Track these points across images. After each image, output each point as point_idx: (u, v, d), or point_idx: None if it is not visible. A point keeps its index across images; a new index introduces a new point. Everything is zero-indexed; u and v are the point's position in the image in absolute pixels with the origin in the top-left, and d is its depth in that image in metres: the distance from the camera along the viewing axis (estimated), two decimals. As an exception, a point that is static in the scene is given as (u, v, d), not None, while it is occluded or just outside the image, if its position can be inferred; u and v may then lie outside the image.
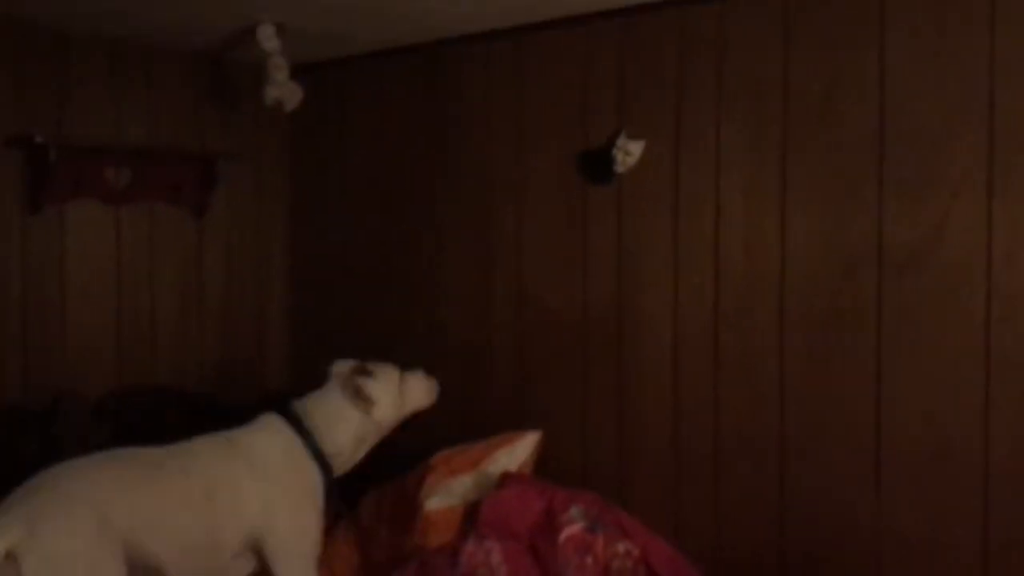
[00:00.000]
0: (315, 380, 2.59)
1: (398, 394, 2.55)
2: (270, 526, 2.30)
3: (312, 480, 2.41)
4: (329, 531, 2.65)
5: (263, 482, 2.32)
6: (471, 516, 2.67)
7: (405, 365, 2.67)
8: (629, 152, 2.78)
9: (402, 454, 2.79)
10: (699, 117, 2.70)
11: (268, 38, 2.86)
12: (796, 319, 2.57)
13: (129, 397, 3.21)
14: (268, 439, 2.39)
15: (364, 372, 2.52)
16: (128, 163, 3.19)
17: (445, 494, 2.75)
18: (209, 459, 2.29)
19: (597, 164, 2.85)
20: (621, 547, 2.60)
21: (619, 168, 2.80)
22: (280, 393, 3.53)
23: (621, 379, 2.87)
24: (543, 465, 2.92)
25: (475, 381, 3.13)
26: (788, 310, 2.58)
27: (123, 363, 3.23)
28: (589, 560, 2.54)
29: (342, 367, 2.57)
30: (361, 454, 2.54)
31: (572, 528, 2.58)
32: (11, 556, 1.88)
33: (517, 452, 2.87)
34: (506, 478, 2.74)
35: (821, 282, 2.53)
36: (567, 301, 2.96)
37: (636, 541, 2.64)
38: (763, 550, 2.65)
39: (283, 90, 2.98)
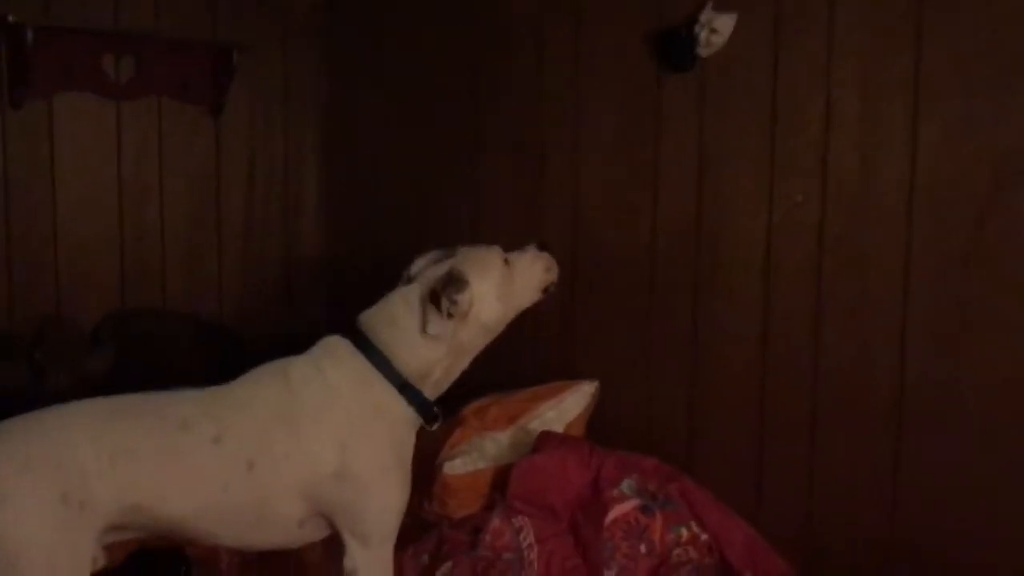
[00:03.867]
0: (356, 306, 1.94)
1: (504, 289, 1.84)
2: (340, 488, 1.72)
3: (395, 419, 1.79)
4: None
5: (328, 431, 1.72)
6: (502, 484, 2.18)
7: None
8: (716, 30, 2.15)
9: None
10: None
11: None
12: (926, 249, 1.96)
13: (132, 320, 2.82)
14: (332, 371, 1.77)
15: (452, 280, 1.77)
16: (130, 51, 2.75)
17: (472, 454, 2.26)
18: (250, 412, 1.71)
19: (674, 46, 2.24)
20: (685, 531, 2.08)
21: (703, 50, 2.18)
22: (316, 323, 3.13)
23: (696, 323, 2.30)
24: (596, 424, 2.39)
25: (519, 326, 2.58)
26: (917, 237, 1.97)
27: (126, 289, 2.83)
28: (642, 548, 2.03)
29: (423, 265, 1.87)
30: (460, 370, 1.86)
31: (623, 506, 2.07)
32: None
33: (567, 406, 2.36)
34: (546, 439, 2.23)
35: (962, 201, 1.91)
36: (632, 228, 2.38)
37: (705, 522, 2.12)
38: (865, 540, 2.09)
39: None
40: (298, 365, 1.80)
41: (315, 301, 3.22)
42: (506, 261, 1.87)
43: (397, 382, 1.78)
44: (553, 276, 1.94)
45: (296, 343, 2.14)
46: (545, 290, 1.94)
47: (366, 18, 3.05)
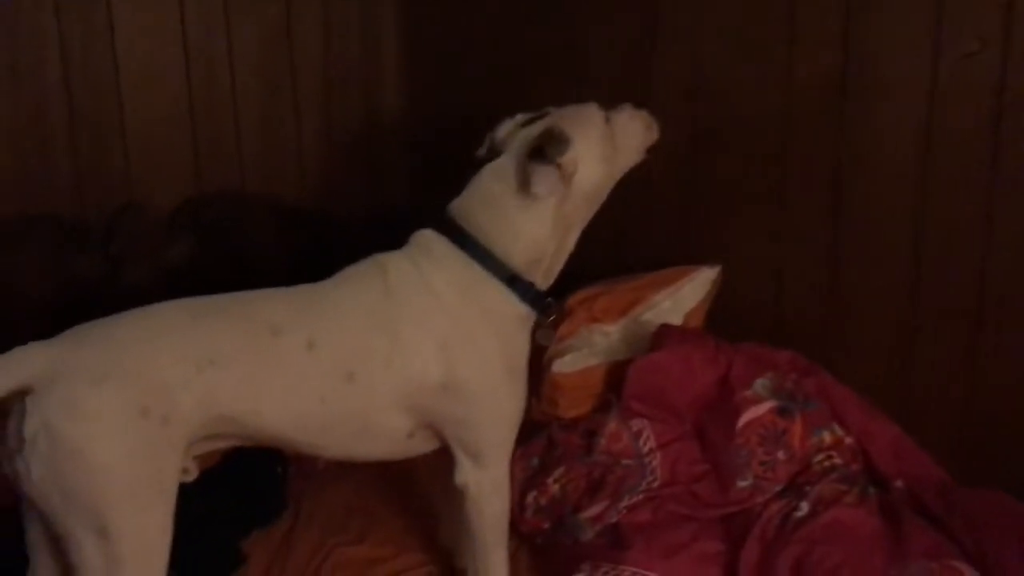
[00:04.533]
0: (445, 184, 1.70)
1: (607, 148, 1.63)
2: (447, 400, 1.55)
3: (505, 319, 1.59)
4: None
5: (432, 338, 1.53)
6: (616, 383, 1.96)
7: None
8: None
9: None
10: None
11: None
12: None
13: (211, 206, 2.63)
14: (432, 272, 1.57)
15: (552, 138, 1.54)
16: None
17: (582, 349, 2.04)
18: (346, 316, 1.53)
19: None
20: (828, 435, 1.85)
21: None
22: (407, 205, 2.91)
23: (836, 195, 1.99)
24: (720, 314, 2.13)
25: (628, 202, 2.29)
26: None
27: (201, 169, 2.63)
28: (781, 454, 1.80)
29: (511, 129, 1.65)
30: (568, 251, 1.66)
31: (758, 408, 1.83)
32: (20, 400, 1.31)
33: (685, 295, 2.10)
34: (666, 333, 1.99)
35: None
36: (761, 83, 2.05)
37: (849, 424, 1.88)
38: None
39: None
40: (396, 264, 1.60)
41: (401, 176, 2.98)
42: (607, 118, 1.66)
43: (505, 276, 1.57)
44: (655, 135, 1.74)
45: (384, 224, 1.94)
46: (648, 151, 1.74)
47: None
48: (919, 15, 1.81)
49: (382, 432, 1.55)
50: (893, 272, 1.94)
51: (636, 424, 1.86)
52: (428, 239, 1.62)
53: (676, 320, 2.08)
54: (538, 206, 1.56)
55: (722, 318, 2.14)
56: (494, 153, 1.65)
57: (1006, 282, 1.81)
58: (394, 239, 1.68)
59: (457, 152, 1.78)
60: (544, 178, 1.52)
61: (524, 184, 1.53)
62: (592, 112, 1.66)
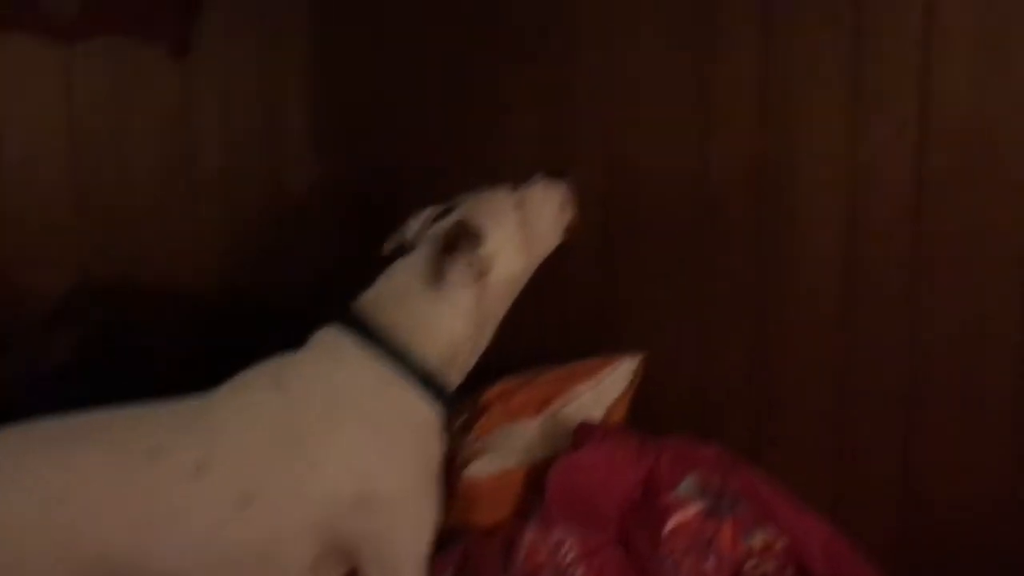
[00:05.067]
0: (360, 276, 1.60)
1: (523, 236, 1.54)
2: (362, 517, 1.39)
3: (420, 422, 1.47)
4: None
5: (342, 449, 1.39)
6: (536, 486, 1.83)
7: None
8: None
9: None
10: None
11: None
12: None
13: (100, 297, 2.45)
14: (337, 373, 1.43)
15: (463, 233, 1.46)
16: (72, -17, 2.34)
17: (499, 450, 1.91)
18: (241, 430, 1.37)
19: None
20: (759, 539, 1.73)
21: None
22: (317, 288, 2.75)
23: (762, 279, 1.92)
24: (643, 405, 2.03)
25: (544, 283, 2.20)
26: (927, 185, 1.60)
27: (88, 255, 2.45)
28: (711, 561, 1.68)
29: (421, 224, 1.56)
30: (484, 346, 1.57)
31: (685, 512, 1.71)
32: None
33: (606, 386, 1.99)
34: (587, 431, 1.87)
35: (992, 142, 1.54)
36: (678, 165, 1.98)
37: (781, 524, 1.77)
38: (978, 547, 1.74)
39: None
40: (296, 367, 1.46)
41: (310, 261, 2.83)
42: (519, 202, 1.59)
43: (419, 375, 1.45)
44: (571, 213, 1.67)
45: (292, 314, 1.80)
46: (567, 230, 1.67)
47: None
48: (837, 96, 1.77)
49: (285, 562, 1.39)
50: (821, 357, 1.87)
51: (557, 533, 1.72)
52: (332, 338, 1.49)
53: (598, 413, 1.97)
54: (454, 302, 1.48)
55: (645, 409, 2.03)
56: (404, 249, 1.56)
57: (936, 363, 1.75)
58: (304, 331, 1.55)
59: (369, 235, 1.67)
60: (457, 277, 1.44)
61: (437, 282, 1.43)
62: (504, 199, 1.58)
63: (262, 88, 2.70)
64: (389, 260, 1.56)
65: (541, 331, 2.14)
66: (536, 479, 1.83)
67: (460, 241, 1.45)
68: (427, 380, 1.46)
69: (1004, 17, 1.59)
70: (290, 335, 1.55)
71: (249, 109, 2.68)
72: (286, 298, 2.63)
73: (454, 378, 1.52)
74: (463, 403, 1.57)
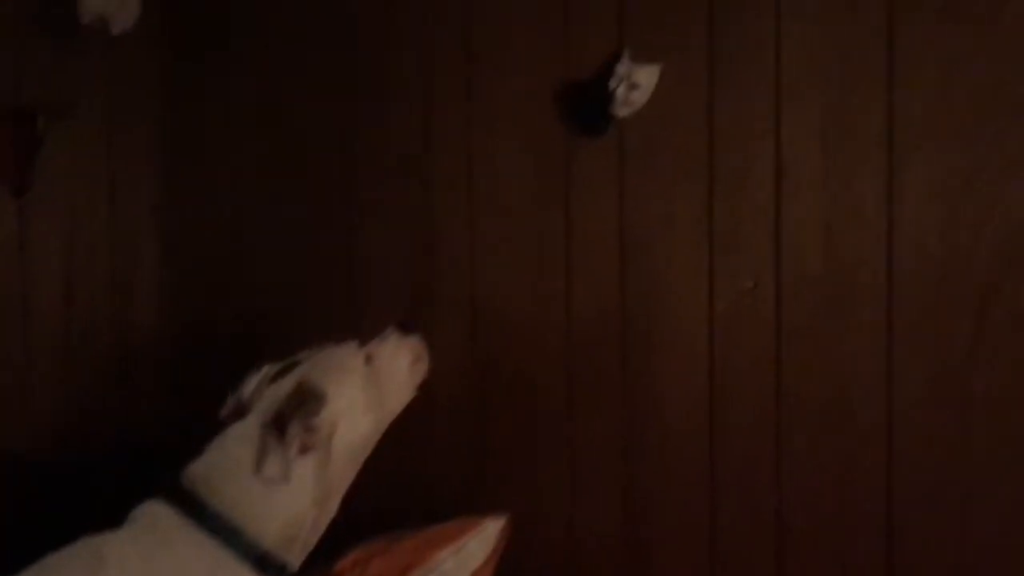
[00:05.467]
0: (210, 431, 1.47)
1: (371, 395, 1.44)
2: None
3: None
4: None
5: None
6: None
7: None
8: (636, 84, 1.77)
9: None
10: (747, 22, 1.70)
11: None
12: (915, 340, 1.59)
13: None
14: (159, 553, 1.29)
15: (303, 397, 1.34)
16: None
17: (353, 627, 1.74)
18: None
19: (586, 104, 1.85)
20: None
21: (620, 109, 1.79)
22: (158, 450, 2.53)
23: (628, 432, 1.86)
24: (511, 567, 1.91)
25: (406, 436, 2.08)
26: (901, 325, 1.60)
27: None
28: None
29: (258, 383, 1.42)
30: (331, 515, 1.43)
31: None
32: None
33: (470, 551, 1.86)
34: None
35: (960, 281, 1.56)
36: (541, 315, 1.93)
37: None
38: None
39: (108, 2, 1.96)
40: (113, 548, 1.29)
41: (155, 412, 2.63)
42: (368, 358, 1.48)
43: (254, 556, 1.30)
44: (424, 368, 1.58)
45: (134, 474, 1.63)
46: (419, 385, 1.57)
47: (205, 72, 2.53)
48: (693, 251, 1.77)
49: None
50: (690, 517, 1.80)
51: None
52: (154, 512, 1.33)
53: (462, 582, 1.83)
54: (290, 476, 1.32)
55: (515, 571, 1.90)
56: (240, 413, 1.42)
57: (802, 520, 1.71)
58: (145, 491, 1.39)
59: (214, 392, 1.53)
60: (279, 462, 1.30)
61: (269, 456, 1.29)
62: (350, 355, 1.47)
63: (107, 228, 2.55)
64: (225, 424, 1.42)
65: (398, 489, 2.01)
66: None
67: (298, 406, 1.32)
68: (262, 562, 1.30)
69: (849, 167, 1.64)
70: (119, 505, 1.40)
71: (93, 248, 2.52)
72: (119, 460, 2.42)
73: (295, 557, 1.36)
74: (311, 574, 1.40)
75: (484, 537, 1.88)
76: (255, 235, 2.41)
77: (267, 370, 1.43)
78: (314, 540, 1.42)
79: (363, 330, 1.93)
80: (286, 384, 1.37)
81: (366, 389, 1.44)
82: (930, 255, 1.60)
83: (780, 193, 1.70)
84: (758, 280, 1.71)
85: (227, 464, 1.34)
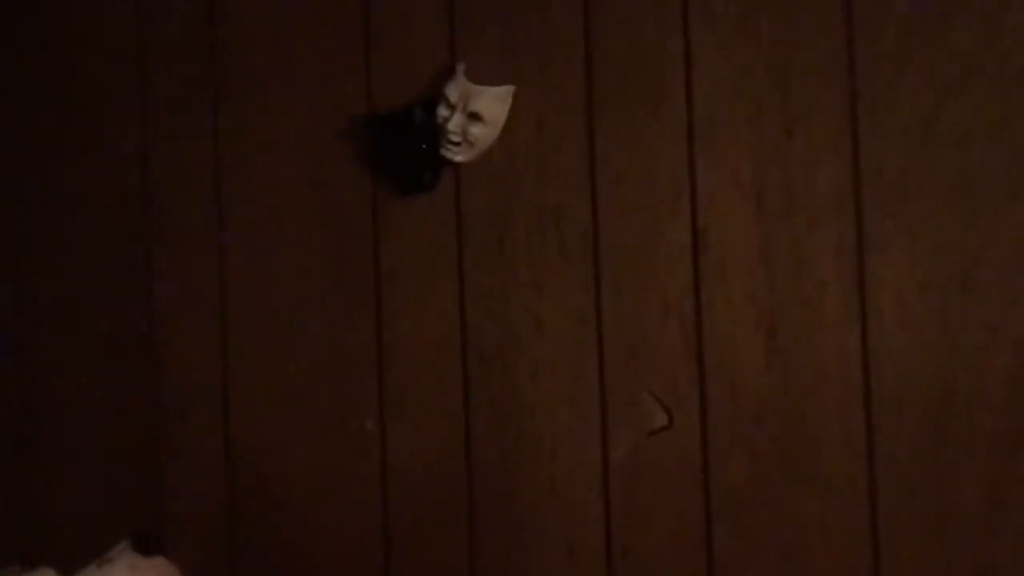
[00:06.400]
0: None
1: None
2: None
3: None
4: None
5: None
6: None
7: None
8: (479, 115, 1.16)
9: None
10: (648, 26, 1.13)
11: None
12: (900, 475, 1.03)
13: None
14: None
15: None
16: None
17: None
18: None
19: (400, 148, 1.20)
20: None
21: (455, 152, 1.17)
22: None
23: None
24: None
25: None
26: (881, 460, 1.04)
27: None
28: None
29: None
30: None
31: None
32: None
33: None
34: None
35: (954, 396, 1.01)
36: (337, 484, 1.24)
37: None
38: None
39: None
40: None
41: None
42: None
43: None
44: None
45: None
46: None
47: None
48: (575, 380, 1.15)
49: None
50: None
51: None
52: None
53: None
54: None
55: None
56: None
57: None
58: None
59: None
60: None
61: None
62: None
63: None
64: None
65: None
66: None
67: None
68: None
69: (801, 229, 1.08)
70: None
71: None
72: None
73: None
74: None
75: None
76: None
77: None
78: None
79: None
80: None
81: None
82: (913, 369, 1.06)
83: (698, 279, 1.12)
84: (673, 414, 1.11)
85: None
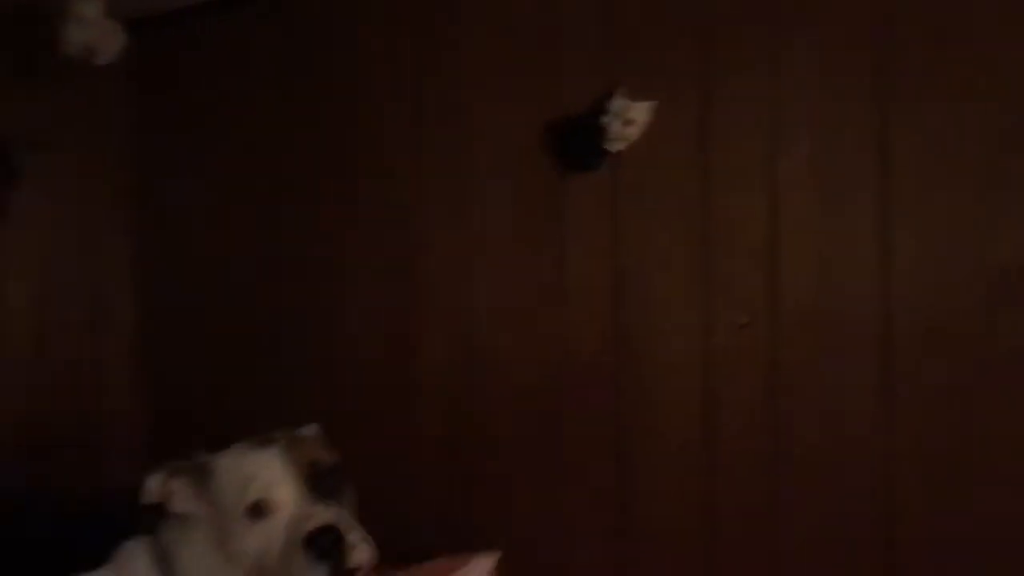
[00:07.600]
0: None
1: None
2: None
3: None
4: None
5: None
6: None
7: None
8: (630, 119, 1.77)
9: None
10: (743, 57, 1.72)
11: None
12: (911, 376, 1.60)
13: None
14: None
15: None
16: None
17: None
18: None
19: (578, 140, 1.85)
20: None
21: (613, 145, 1.79)
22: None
23: (621, 470, 1.85)
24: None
25: (394, 472, 2.06)
26: (897, 361, 1.61)
27: None
28: None
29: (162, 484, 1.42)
30: None
31: None
32: None
33: (460, 590, 1.83)
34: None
35: (958, 319, 1.56)
36: (535, 354, 1.92)
37: None
38: None
39: (93, 31, 1.93)
40: None
41: (124, 470, 2.56)
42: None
43: None
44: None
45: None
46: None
47: (177, 116, 2.50)
48: (687, 290, 1.78)
49: None
50: (681, 553, 1.79)
51: None
52: (131, 554, 1.37)
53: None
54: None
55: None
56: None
57: (797, 563, 1.70)
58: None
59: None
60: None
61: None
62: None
63: (83, 266, 2.50)
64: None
65: (386, 526, 1.97)
66: None
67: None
68: None
69: (844, 209, 1.65)
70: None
71: (68, 285, 2.47)
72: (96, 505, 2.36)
73: None
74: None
75: (474, 575, 1.84)
76: (231, 283, 2.38)
77: (165, 474, 1.42)
78: None
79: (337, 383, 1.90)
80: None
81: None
82: (932, 298, 1.61)
83: (776, 233, 1.70)
84: (753, 318, 1.71)
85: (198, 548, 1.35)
